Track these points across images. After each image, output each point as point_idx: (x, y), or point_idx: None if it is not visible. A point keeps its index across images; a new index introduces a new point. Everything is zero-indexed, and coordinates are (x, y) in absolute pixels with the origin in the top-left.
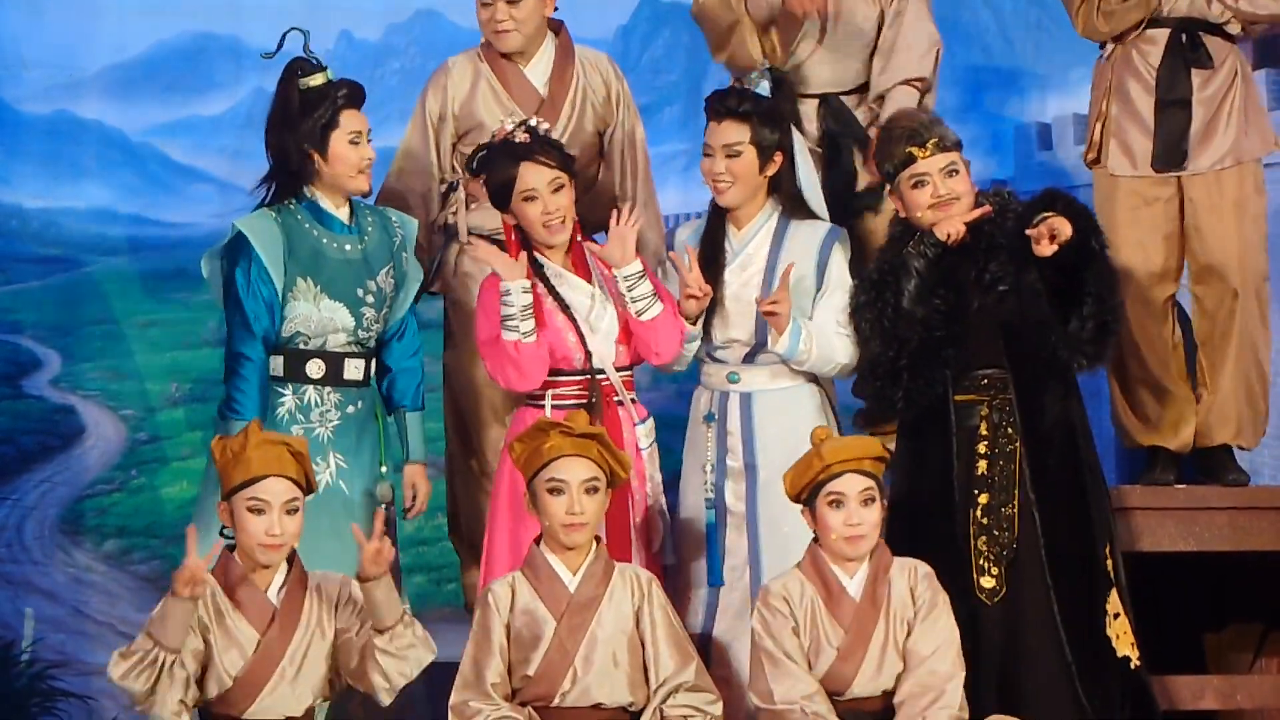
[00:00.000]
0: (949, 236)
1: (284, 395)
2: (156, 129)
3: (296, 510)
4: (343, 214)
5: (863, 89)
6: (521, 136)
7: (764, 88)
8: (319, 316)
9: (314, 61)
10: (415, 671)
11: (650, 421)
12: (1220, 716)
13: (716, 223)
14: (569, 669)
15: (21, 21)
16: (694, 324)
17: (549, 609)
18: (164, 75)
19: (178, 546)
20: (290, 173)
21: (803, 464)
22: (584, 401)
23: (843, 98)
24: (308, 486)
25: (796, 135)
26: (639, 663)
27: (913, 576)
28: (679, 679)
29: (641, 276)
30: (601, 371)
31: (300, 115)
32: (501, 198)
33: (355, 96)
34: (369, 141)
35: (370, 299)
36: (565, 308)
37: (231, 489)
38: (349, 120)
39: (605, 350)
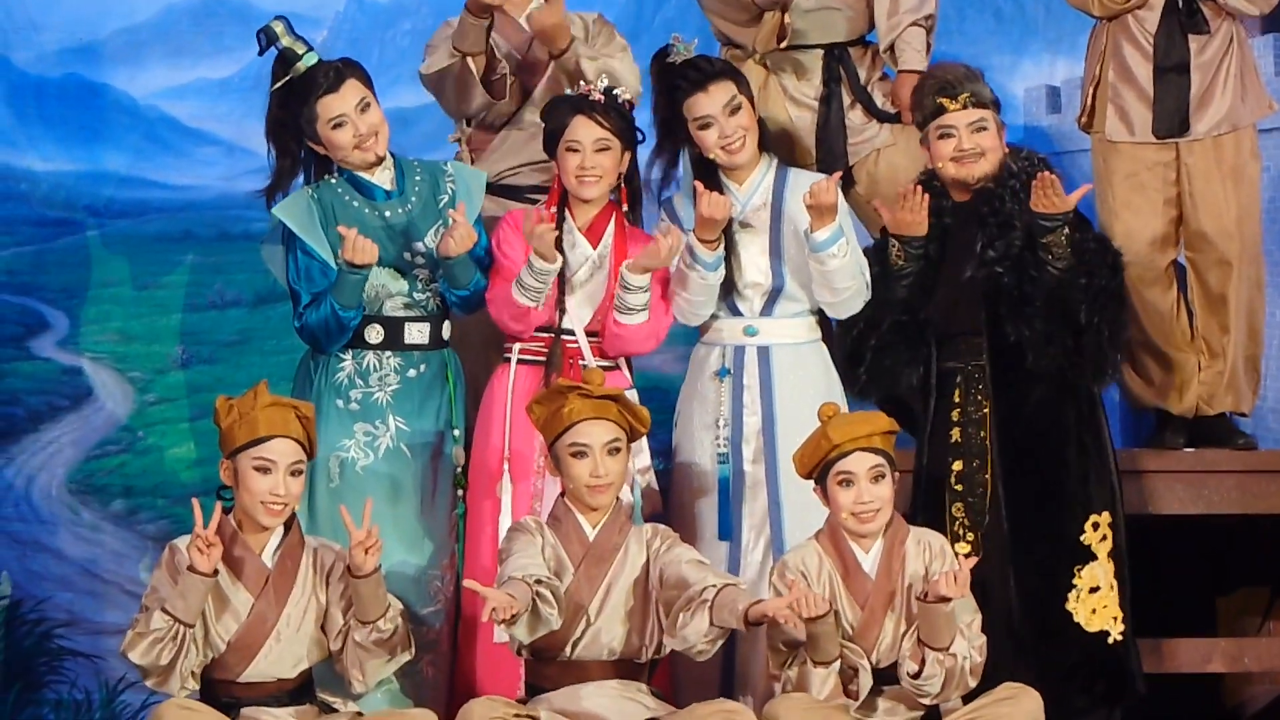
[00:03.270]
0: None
1: (344, 360)
2: (165, 92)
3: (300, 473)
4: (383, 179)
5: (859, 42)
6: (596, 96)
7: (693, 52)
8: (369, 284)
9: (292, 52)
10: (391, 670)
11: (633, 392)
12: (1228, 679)
13: (714, 187)
14: (583, 615)
15: None
16: (715, 249)
17: (569, 555)
18: (173, 38)
19: (184, 507)
20: (311, 155)
21: (811, 443)
22: (543, 359)
23: (849, 49)
24: (310, 450)
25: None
26: (647, 611)
27: (927, 554)
28: (712, 581)
29: (644, 290)
30: (570, 332)
31: (292, 112)
32: (550, 143)
33: (330, 80)
34: (364, 110)
35: (421, 260)
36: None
37: (237, 448)
38: (327, 107)
39: (580, 312)
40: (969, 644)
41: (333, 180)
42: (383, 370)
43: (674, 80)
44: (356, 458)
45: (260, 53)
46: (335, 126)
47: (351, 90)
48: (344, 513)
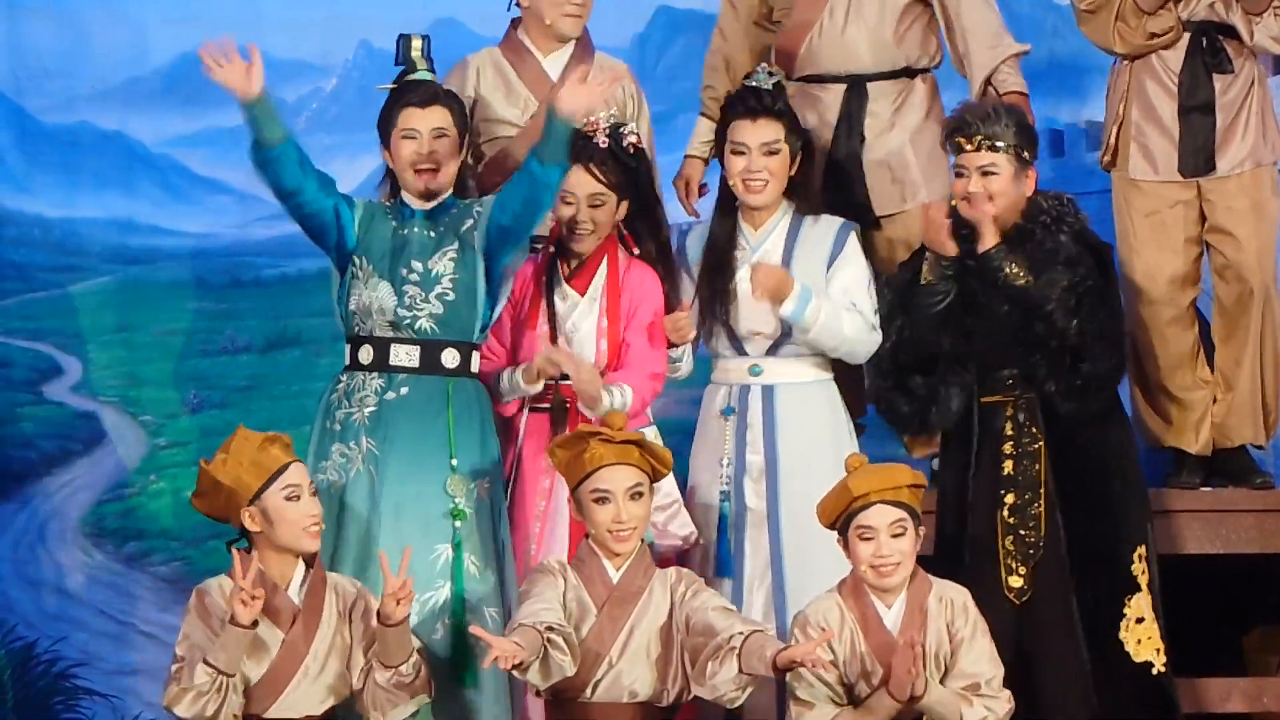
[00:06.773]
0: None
1: (341, 380)
2: (177, 140)
3: (317, 492)
4: (421, 205)
5: (896, 74)
6: (601, 139)
7: (771, 84)
8: (366, 296)
9: (414, 66)
10: (411, 710)
11: (653, 429)
12: (1248, 718)
13: (728, 222)
14: (605, 658)
15: (44, 33)
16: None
17: (592, 598)
18: (184, 87)
19: (197, 549)
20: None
21: (833, 494)
22: (549, 405)
23: (869, 84)
24: None
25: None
26: (670, 656)
27: (950, 611)
28: (739, 628)
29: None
30: (569, 378)
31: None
32: None
33: (421, 95)
34: (438, 137)
35: (415, 278)
36: (551, 314)
37: (259, 490)
38: (406, 117)
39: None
40: (986, 707)
41: (387, 204)
42: (364, 391)
43: (734, 100)
44: (332, 479)
45: (396, 61)
46: (404, 137)
47: (436, 114)
48: (382, 558)
